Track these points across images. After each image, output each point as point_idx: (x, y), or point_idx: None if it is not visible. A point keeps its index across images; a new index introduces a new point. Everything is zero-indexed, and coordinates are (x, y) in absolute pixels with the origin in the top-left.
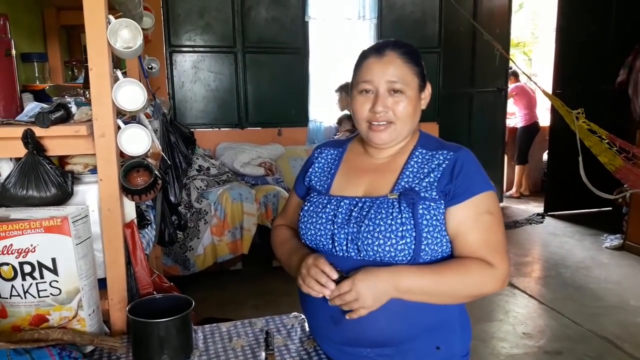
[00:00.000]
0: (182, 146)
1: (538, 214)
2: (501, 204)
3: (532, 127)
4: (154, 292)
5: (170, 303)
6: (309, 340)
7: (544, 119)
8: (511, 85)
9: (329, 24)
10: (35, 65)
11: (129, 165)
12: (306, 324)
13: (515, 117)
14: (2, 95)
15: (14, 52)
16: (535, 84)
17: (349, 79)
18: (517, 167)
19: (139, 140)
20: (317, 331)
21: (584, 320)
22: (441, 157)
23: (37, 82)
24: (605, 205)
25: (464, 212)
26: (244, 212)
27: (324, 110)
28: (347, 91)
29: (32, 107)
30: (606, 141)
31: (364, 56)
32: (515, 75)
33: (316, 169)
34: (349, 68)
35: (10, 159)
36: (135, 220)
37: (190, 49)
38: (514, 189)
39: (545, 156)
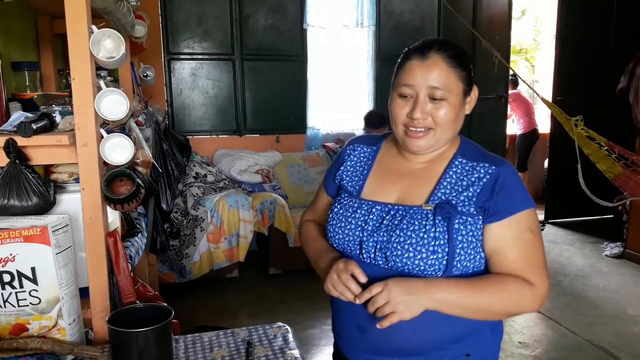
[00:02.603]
0: (177, 153)
1: (539, 222)
2: None
3: (531, 134)
4: (137, 302)
5: (152, 312)
6: (290, 350)
7: (545, 126)
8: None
9: (328, 31)
10: (26, 74)
11: (111, 175)
12: (289, 334)
13: (514, 124)
14: None
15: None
16: (534, 91)
17: (356, 90)
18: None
19: (122, 150)
20: (344, 339)
21: (581, 330)
22: (482, 171)
23: (28, 91)
24: (607, 213)
25: (506, 229)
26: (241, 219)
27: (322, 117)
28: (372, 126)
29: (17, 117)
30: (605, 148)
31: (407, 56)
32: (514, 83)
33: (348, 167)
34: (348, 74)
35: None
36: (119, 229)
37: (189, 57)
38: None
39: (546, 163)
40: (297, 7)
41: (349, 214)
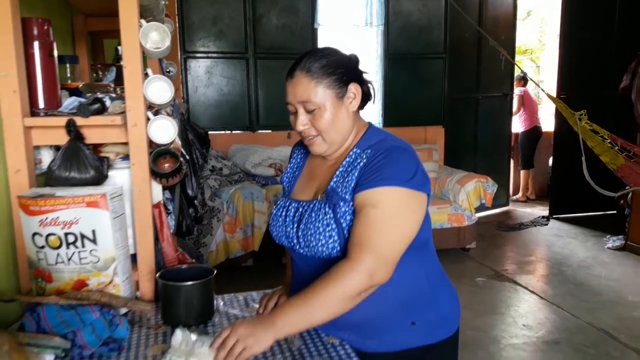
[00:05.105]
0: (197, 145)
1: (543, 217)
2: (507, 208)
3: (532, 132)
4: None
5: (194, 273)
6: None
7: (549, 125)
8: (517, 89)
9: (338, 31)
10: (68, 67)
11: (157, 152)
12: None
13: (517, 122)
14: (45, 90)
15: (55, 53)
16: (540, 88)
17: None
18: (522, 172)
19: (165, 130)
20: None
21: (582, 314)
22: (364, 156)
23: (69, 82)
24: (609, 208)
25: (357, 201)
26: (255, 210)
27: None
28: None
29: (70, 101)
30: (608, 141)
31: (285, 77)
32: (524, 80)
33: (289, 169)
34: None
35: (50, 147)
36: (162, 202)
37: (204, 55)
38: (520, 193)
39: (551, 161)
40: (308, 7)
41: (278, 213)
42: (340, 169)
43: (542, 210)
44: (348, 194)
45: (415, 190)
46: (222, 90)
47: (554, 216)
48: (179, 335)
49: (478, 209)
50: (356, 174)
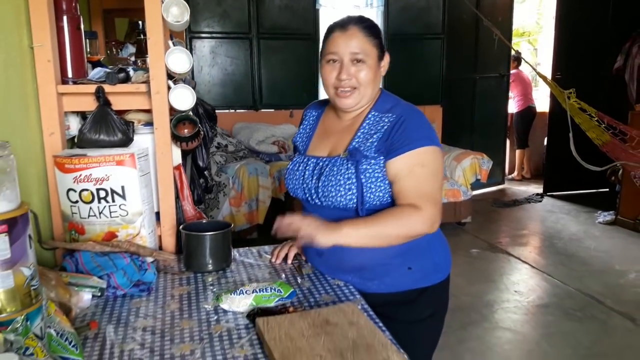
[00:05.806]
0: (207, 119)
1: (537, 194)
2: (503, 186)
3: (525, 112)
4: None
5: (213, 226)
6: None
7: (545, 105)
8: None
9: (339, 11)
10: (88, 42)
11: (178, 118)
12: None
13: (512, 102)
14: (74, 60)
15: (82, 26)
16: (532, 67)
17: None
18: (517, 151)
19: (185, 98)
20: (309, 261)
21: (571, 281)
22: (385, 120)
23: (90, 55)
24: (602, 186)
25: (400, 163)
26: (260, 185)
27: None
28: None
29: (96, 72)
30: (595, 119)
31: (331, 31)
32: (517, 60)
33: (301, 130)
34: None
35: (77, 114)
36: (182, 164)
37: (209, 35)
38: (515, 172)
39: (546, 141)
40: None
41: (295, 169)
42: (362, 130)
43: (537, 189)
44: (370, 152)
45: (438, 147)
46: (226, 70)
47: (548, 194)
48: None
49: (474, 187)
50: (380, 135)
